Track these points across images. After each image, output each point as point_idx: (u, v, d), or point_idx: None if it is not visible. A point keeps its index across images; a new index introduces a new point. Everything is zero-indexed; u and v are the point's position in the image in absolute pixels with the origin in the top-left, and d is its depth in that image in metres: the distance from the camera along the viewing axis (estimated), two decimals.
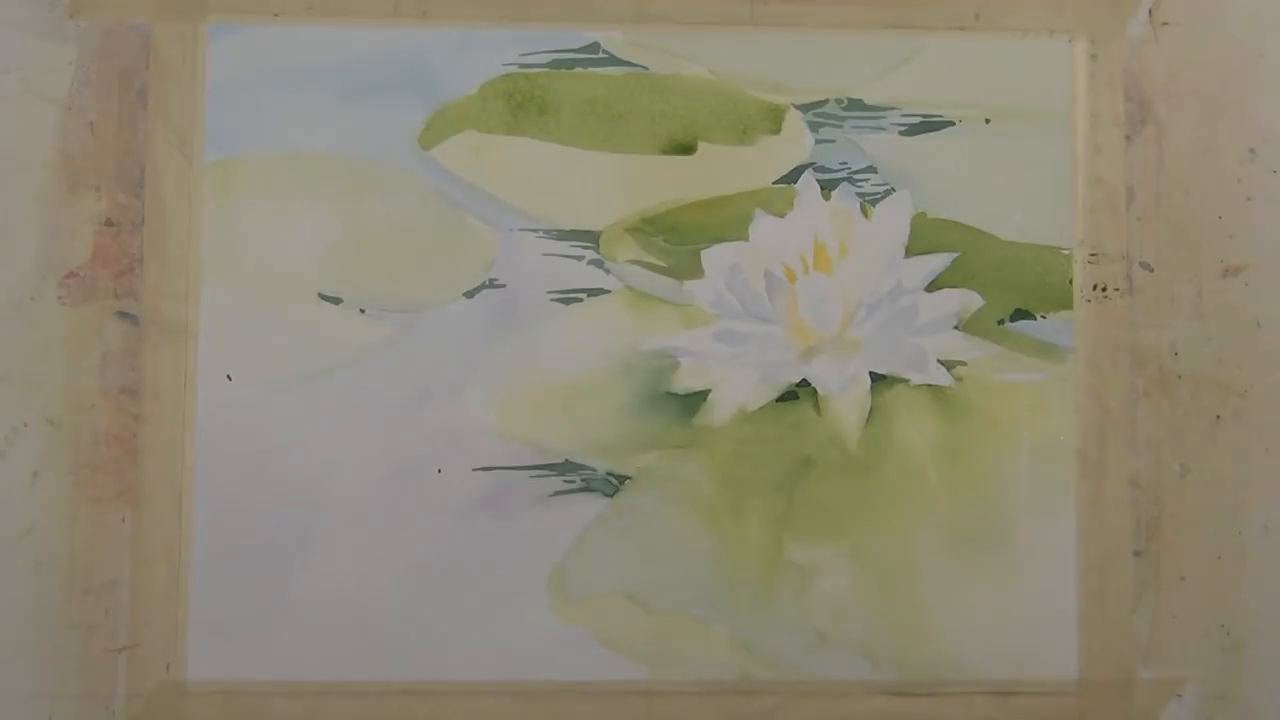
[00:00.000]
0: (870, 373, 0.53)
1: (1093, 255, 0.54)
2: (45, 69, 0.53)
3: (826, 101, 0.54)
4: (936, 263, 0.54)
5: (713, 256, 0.53)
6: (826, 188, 0.54)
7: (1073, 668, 0.52)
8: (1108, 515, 0.53)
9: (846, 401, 0.53)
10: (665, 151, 0.54)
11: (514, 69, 0.54)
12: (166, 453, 0.52)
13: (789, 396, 0.53)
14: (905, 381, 0.53)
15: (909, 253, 0.54)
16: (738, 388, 0.53)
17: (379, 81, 0.53)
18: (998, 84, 0.54)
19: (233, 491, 0.52)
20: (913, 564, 0.52)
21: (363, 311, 0.53)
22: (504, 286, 0.53)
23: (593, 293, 0.53)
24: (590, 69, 0.54)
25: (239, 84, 0.53)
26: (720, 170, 0.54)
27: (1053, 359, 0.53)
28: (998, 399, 0.53)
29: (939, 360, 0.53)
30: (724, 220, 0.53)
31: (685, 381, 0.53)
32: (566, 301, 0.53)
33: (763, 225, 0.53)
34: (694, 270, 0.53)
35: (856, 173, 0.54)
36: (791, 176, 0.54)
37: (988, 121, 0.54)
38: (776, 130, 0.54)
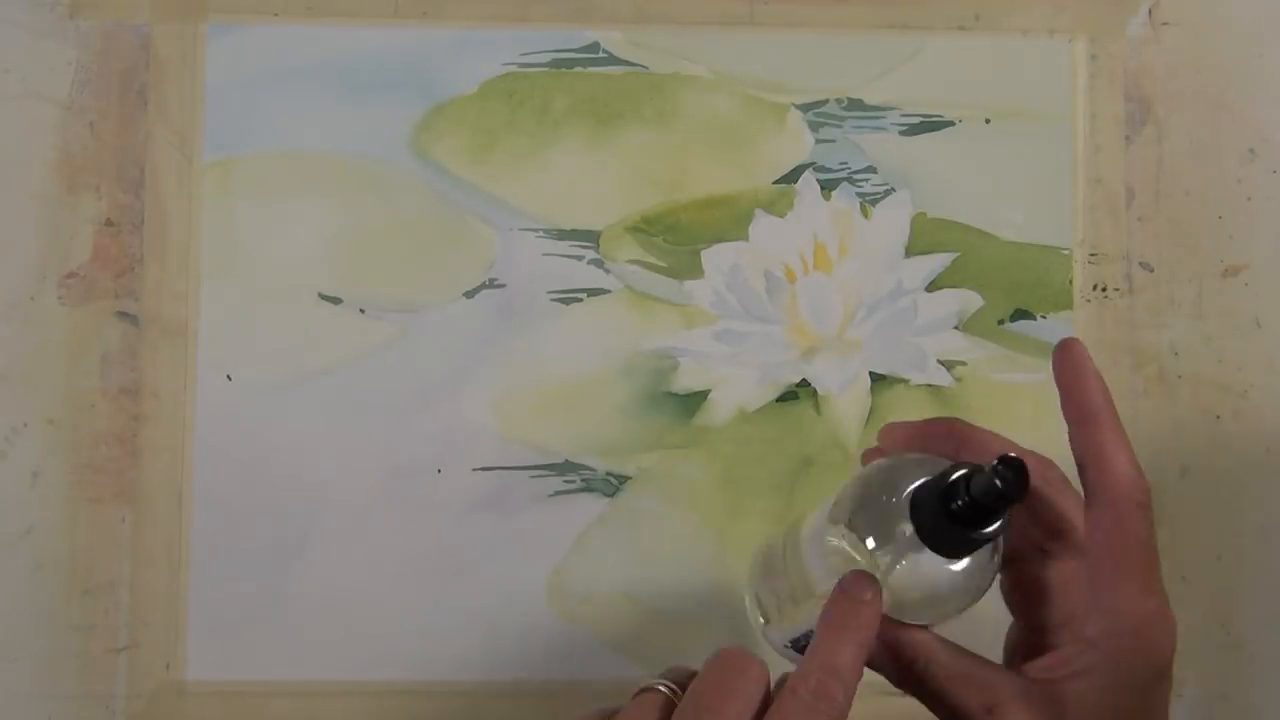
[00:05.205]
0: (870, 373, 0.53)
1: (1093, 255, 0.54)
2: (45, 69, 0.53)
3: (826, 101, 0.54)
4: (936, 263, 0.54)
5: (713, 256, 0.53)
6: (826, 188, 0.54)
7: None
8: None
9: (846, 401, 0.53)
10: (665, 151, 0.53)
11: (514, 69, 0.54)
12: (166, 453, 0.52)
13: (789, 396, 0.53)
14: (905, 381, 0.53)
15: (909, 253, 0.54)
16: (738, 388, 0.53)
17: (379, 81, 0.53)
18: (998, 84, 0.54)
19: (232, 492, 0.52)
20: None
21: (363, 311, 0.53)
22: (504, 286, 0.53)
23: (593, 293, 0.53)
24: (590, 69, 0.54)
25: (239, 84, 0.53)
26: (720, 170, 0.54)
27: None
28: (998, 399, 0.53)
29: (939, 360, 0.53)
30: (724, 220, 0.53)
31: (685, 382, 0.53)
32: (566, 302, 0.53)
33: (763, 225, 0.53)
34: (694, 270, 0.53)
35: (856, 173, 0.54)
36: (791, 176, 0.54)
37: (988, 121, 0.54)
38: (777, 130, 0.54)
